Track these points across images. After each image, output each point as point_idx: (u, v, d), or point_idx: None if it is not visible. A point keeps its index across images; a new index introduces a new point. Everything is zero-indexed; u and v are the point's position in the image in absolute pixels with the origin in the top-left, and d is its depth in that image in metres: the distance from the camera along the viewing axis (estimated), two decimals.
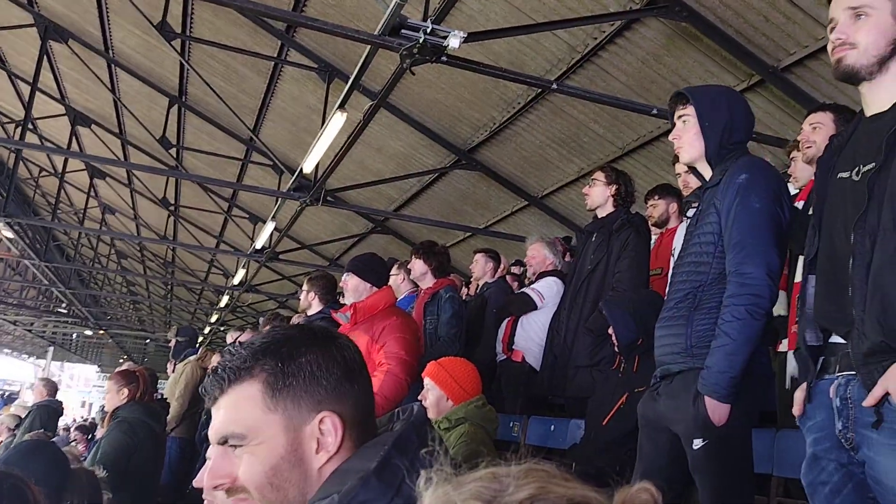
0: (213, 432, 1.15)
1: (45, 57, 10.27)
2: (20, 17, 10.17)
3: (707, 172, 2.33)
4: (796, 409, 1.84)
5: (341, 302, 4.08)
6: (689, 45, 5.57)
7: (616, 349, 3.05)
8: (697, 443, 2.14)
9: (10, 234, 13.36)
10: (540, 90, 6.67)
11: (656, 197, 4.12)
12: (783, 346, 2.97)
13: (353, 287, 3.63)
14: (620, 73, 6.18)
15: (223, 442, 1.14)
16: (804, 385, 1.82)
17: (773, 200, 2.14)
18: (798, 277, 2.68)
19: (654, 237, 4.15)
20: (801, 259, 2.72)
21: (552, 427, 4.11)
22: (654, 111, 5.42)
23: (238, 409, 1.14)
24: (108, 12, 9.34)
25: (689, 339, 2.18)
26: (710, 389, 2.09)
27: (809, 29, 4.91)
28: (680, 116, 2.34)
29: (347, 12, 7.14)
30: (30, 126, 11.29)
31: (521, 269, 6.43)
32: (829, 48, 1.79)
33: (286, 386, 1.12)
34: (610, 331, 2.92)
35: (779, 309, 2.88)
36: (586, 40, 5.97)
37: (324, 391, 1.13)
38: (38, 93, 10.45)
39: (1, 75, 12.59)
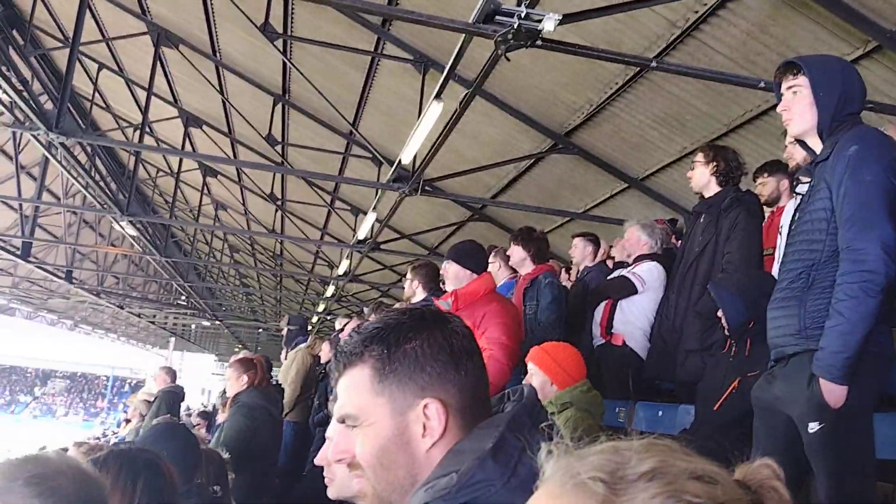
0: (335, 410, 1.23)
1: (158, 62, 10.89)
2: (135, 27, 10.82)
3: (817, 146, 2.22)
4: None
5: (443, 289, 4.15)
6: (797, 13, 5.28)
7: (726, 332, 2.96)
8: (813, 426, 2.07)
9: (132, 232, 14.29)
10: (638, 69, 6.50)
11: (766, 174, 3.95)
12: None
13: (453, 274, 3.68)
14: (724, 46, 5.94)
15: (342, 421, 1.21)
16: None
17: (887, 171, 2.02)
18: None
19: (765, 215, 3.99)
20: None
21: (660, 412, 4.04)
22: (762, 84, 5.18)
23: (351, 391, 1.20)
24: (214, 17, 9.79)
25: (803, 319, 2.10)
26: (825, 371, 2.01)
27: None
28: (790, 87, 2.23)
29: (442, 2, 7.18)
30: (147, 129, 12.02)
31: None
32: None
33: (392, 371, 1.17)
34: (719, 314, 2.84)
35: None
36: (686, 14, 5.77)
37: (427, 377, 1.17)
38: (153, 97, 11.12)
39: (119, 82, 13.44)
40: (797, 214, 2.54)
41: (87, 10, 8.90)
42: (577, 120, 7.97)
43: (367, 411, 1.18)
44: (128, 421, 11.03)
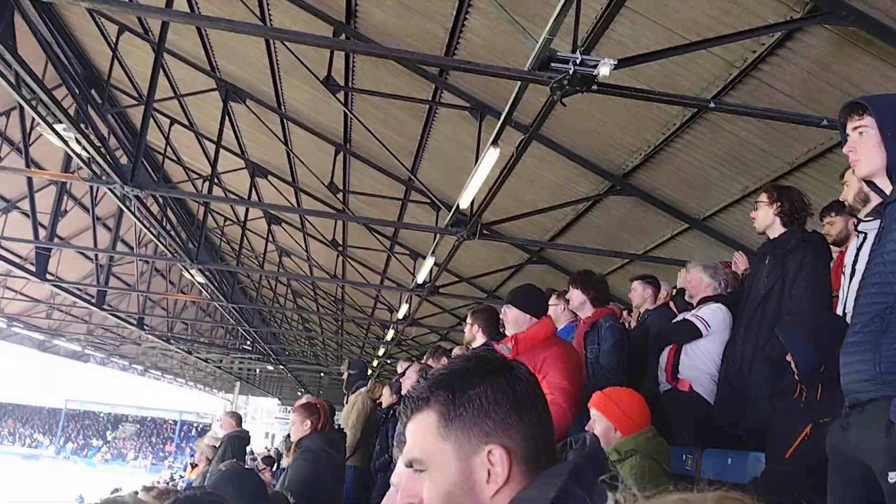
0: (403, 454, 1.26)
1: (226, 117, 11.37)
2: (204, 83, 11.35)
3: (887, 187, 2.18)
4: None
5: (503, 333, 4.15)
6: (859, 50, 5.19)
7: (796, 377, 2.88)
8: (893, 476, 1.98)
9: (201, 279, 14.76)
10: (696, 109, 6.47)
11: (833, 213, 3.85)
12: None
13: (512, 319, 3.68)
14: (784, 84, 5.87)
15: (409, 465, 1.24)
16: None
17: None
18: None
19: (833, 256, 3.88)
20: None
21: (729, 460, 3.91)
22: (825, 122, 5.10)
23: (417, 436, 1.23)
24: (279, 72, 10.20)
25: (878, 364, 2.03)
26: None
27: None
28: (856, 127, 2.20)
29: (498, 51, 7.33)
30: (215, 180, 12.50)
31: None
32: None
33: (457, 417, 1.19)
34: (788, 358, 2.77)
35: None
36: (744, 55, 5.74)
37: (492, 423, 1.18)
38: (221, 150, 11.59)
39: (190, 136, 14.06)
40: (861, 255, 2.48)
41: (161, 70, 9.39)
42: (635, 161, 7.94)
43: (433, 456, 1.20)
44: (194, 465, 11.24)
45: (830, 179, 6.66)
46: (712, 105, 5.13)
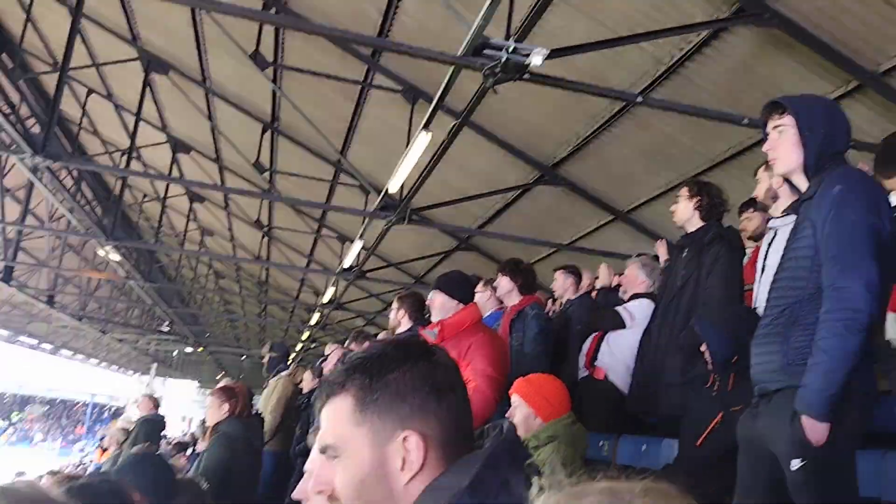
0: (317, 440, 1.22)
1: (147, 88, 10.91)
2: (125, 52, 10.85)
3: (803, 184, 2.26)
4: None
5: (429, 319, 4.13)
6: (781, 53, 5.39)
7: (710, 367, 2.97)
8: (795, 463, 2.06)
9: (116, 257, 14.19)
10: (624, 103, 6.59)
11: (750, 210, 3.99)
12: None
13: (439, 304, 3.67)
14: (709, 83, 6.05)
15: (323, 451, 1.20)
16: None
17: (870, 212, 2.05)
18: None
19: (749, 251, 4.01)
20: None
21: (644, 446, 4.02)
22: (746, 121, 5.28)
23: (332, 421, 1.19)
24: (205, 44, 9.84)
25: (786, 356, 2.11)
26: (808, 408, 2.02)
27: None
28: (776, 126, 2.27)
29: (431, 34, 7.26)
30: (134, 154, 12.00)
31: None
32: None
33: (372, 402, 1.16)
34: (703, 348, 2.85)
35: (893, 332, 2.74)
36: (672, 51, 5.88)
37: (408, 409, 1.15)
38: (141, 123, 11.12)
39: (108, 107, 13.44)
40: (772, 251, 2.56)
41: (78, 35, 8.92)
42: (564, 152, 8.05)
43: (347, 442, 1.17)
44: (104, 449, 10.84)
45: (749, 177, 6.82)
46: (640, 100, 5.23)
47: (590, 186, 8.62)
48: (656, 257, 4.87)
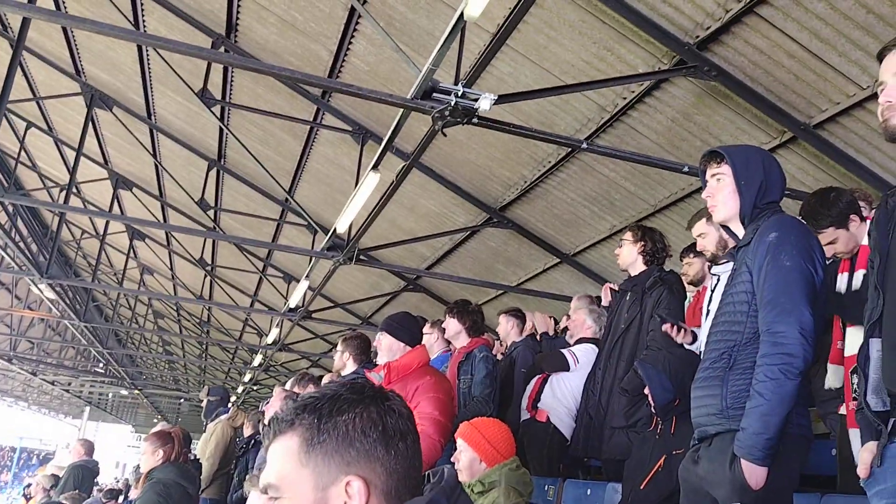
0: (260, 479, 1.18)
1: (90, 123, 10.68)
2: (68, 87, 10.64)
3: (740, 231, 2.33)
4: (863, 472, 1.77)
5: (375, 362, 4.08)
6: (718, 104, 5.60)
7: (653, 410, 2.99)
8: None
9: (51, 295, 13.69)
10: (570, 149, 6.73)
11: (692, 255, 4.09)
12: (843, 409, 2.87)
13: (386, 346, 3.63)
14: (650, 131, 6.23)
15: (264, 491, 1.16)
16: (871, 446, 1.75)
17: (805, 258, 2.12)
18: (849, 350, 2.63)
19: (690, 295, 4.10)
20: (850, 330, 2.67)
21: (588, 491, 4.01)
22: (686, 168, 5.44)
23: (277, 460, 1.17)
24: (151, 80, 9.73)
25: (725, 399, 2.14)
26: (746, 451, 2.04)
27: (841, 86, 4.91)
28: (714, 175, 2.35)
29: (381, 77, 7.34)
30: (74, 190, 11.68)
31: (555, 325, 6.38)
32: (879, 110, 1.81)
33: (319, 443, 1.13)
34: (646, 391, 2.88)
35: (833, 381, 2.82)
36: (615, 100, 6.05)
37: (355, 453, 1.13)
38: (82, 158, 10.85)
39: (48, 141, 13.11)
40: (715, 297, 2.63)
41: (19, 68, 8.71)
42: (512, 195, 8.15)
43: (289, 482, 1.13)
44: (28, 498, 10.29)
45: None
46: (584, 146, 5.35)
47: (537, 229, 8.73)
48: (599, 299, 4.93)
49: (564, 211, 8.06)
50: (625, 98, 5.96)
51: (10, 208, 14.34)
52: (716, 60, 5.19)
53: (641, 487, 3.11)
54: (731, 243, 3.25)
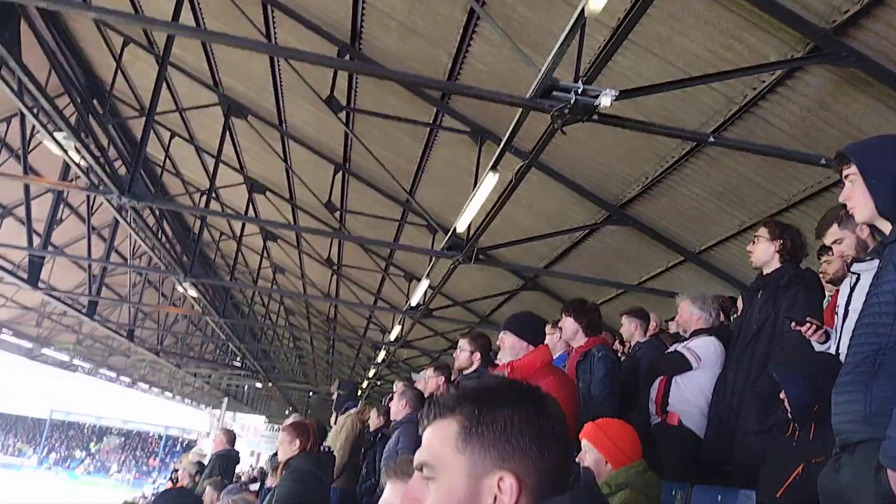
0: (415, 457, 1.24)
1: (227, 132, 11.40)
2: (207, 98, 11.40)
3: (886, 228, 2.20)
4: None
5: (495, 362, 4.13)
6: (858, 91, 5.25)
7: (789, 415, 2.86)
8: None
9: (194, 293, 14.69)
10: (695, 143, 6.51)
11: (831, 252, 3.86)
12: None
13: (509, 345, 3.66)
14: (783, 122, 5.92)
15: (419, 468, 1.22)
16: None
17: None
18: None
19: (828, 294, 3.88)
20: None
21: (719, 497, 3.87)
22: (823, 161, 5.13)
23: (434, 441, 1.21)
24: (282, 90, 10.25)
25: (869, 406, 2.02)
26: (893, 461, 1.93)
27: None
28: (846, 176, 2.24)
29: (500, 77, 7.38)
30: (213, 195, 12.50)
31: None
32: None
33: (477, 434, 1.17)
34: (781, 395, 2.76)
35: None
36: (744, 91, 5.79)
37: (510, 449, 1.16)
38: (220, 164, 11.60)
39: (189, 149, 14.08)
40: (854, 296, 2.48)
41: (164, 83, 9.42)
42: (633, 192, 7.98)
43: (444, 465, 1.18)
44: (174, 482, 11.10)
45: None
46: (712, 139, 5.16)
47: (659, 226, 8.50)
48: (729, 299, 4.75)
49: (689, 207, 7.80)
50: (754, 88, 5.70)
51: (157, 212, 15.52)
52: (855, 45, 4.86)
53: (778, 496, 2.97)
54: (871, 244, 3.07)
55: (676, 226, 8.33)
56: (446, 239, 8.96)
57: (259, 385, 34.10)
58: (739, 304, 5.46)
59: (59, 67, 10.42)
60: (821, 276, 3.84)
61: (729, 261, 8.31)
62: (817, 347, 3.04)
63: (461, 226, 7.98)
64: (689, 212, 7.88)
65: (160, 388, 44.15)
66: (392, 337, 16.16)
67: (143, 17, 8.30)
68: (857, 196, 2.21)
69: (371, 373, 22.42)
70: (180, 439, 59.14)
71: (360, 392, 19.12)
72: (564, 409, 3.44)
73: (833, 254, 3.71)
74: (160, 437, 60.99)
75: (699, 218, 7.88)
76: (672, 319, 6.22)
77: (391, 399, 6.91)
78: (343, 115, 9.33)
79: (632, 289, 9.80)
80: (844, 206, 2.90)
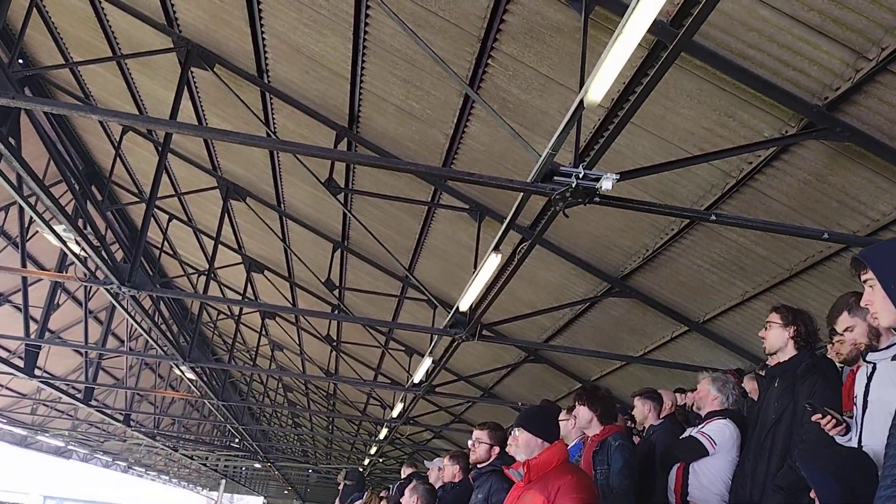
0: None
1: (226, 214, 11.45)
2: (205, 181, 11.50)
3: None
4: None
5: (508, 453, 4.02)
6: (854, 164, 5.31)
7: None
8: None
9: (192, 376, 14.49)
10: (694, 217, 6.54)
11: (842, 332, 3.81)
12: None
13: (524, 443, 3.55)
14: (781, 194, 5.97)
15: None
16: None
17: None
18: None
19: (845, 374, 3.82)
20: None
21: None
22: (826, 235, 5.14)
23: None
24: (280, 172, 10.35)
25: None
26: None
27: None
28: (865, 281, 2.22)
29: (497, 156, 7.48)
30: (212, 275, 12.47)
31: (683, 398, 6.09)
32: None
33: None
34: (812, 494, 2.67)
35: None
36: (740, 165, 5.86)
37: None
38: (219, 245, 11.62)
39: (187, 231, 14.13)
40: (872, 387, 2.42)
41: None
42: (634, 264, 7.98)
43: None
44: None
45: (830, 286, 6.69)
46: (713, 217, 5.17)
47: (662, 297, 8.47)
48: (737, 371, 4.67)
49: (691, 278, 7.79)
50: (750, 163, 5.76)
51: (155, 295, 15.45)
52: (848, 121, 4.94)
53: None
54: (884, 332, 3.04)
55: (679, 296, 8.30)
56: (449, 316, 8.89)
57: (258, 465, 33.32)
58: (746, 383, 5.41)
59: (58, 155, 10.53)
60: (836, 356, 3.78)
61: (734, 329, 8.26)
62: (838, 440, 2.97)
63: (464, 305, 7.93)
64: (690, 282, 7.87)
65: (156, 471, 43.10)
66: (395, 413, 15.89)
67: (146, 118, 8.43)
68: (878, 302, 2.18)
69: (373, 450, 21.95)
70: None
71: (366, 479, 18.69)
72: None
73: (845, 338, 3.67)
74: None
75: (701, 288, 7.87)
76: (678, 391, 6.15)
77: (399, 487, 6.73)
78: (342, 196, 9.40)
79: (636, 360, 9.71)
80: (855, 292, 2.89)
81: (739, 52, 4.90)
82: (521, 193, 5.40)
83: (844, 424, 2.97)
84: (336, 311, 13.21)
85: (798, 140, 5.22)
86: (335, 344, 15.80)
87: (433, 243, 10.29)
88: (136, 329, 15.68)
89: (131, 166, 12.41)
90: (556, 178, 4.75)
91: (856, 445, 2.89)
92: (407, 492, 4.54)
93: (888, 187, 5.33)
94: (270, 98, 8.66)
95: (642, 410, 4.99)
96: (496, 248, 6.36)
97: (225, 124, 9.59)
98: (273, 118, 9.04)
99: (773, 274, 6.98)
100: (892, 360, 2.86)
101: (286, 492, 42.69)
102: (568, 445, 4.35)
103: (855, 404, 3.01)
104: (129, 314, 11.40)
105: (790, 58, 4.75)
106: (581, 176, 4.67)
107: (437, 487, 5.37)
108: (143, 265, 14.41)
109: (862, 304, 2.24)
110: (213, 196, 11.58)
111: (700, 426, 4.38)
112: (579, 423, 4.49)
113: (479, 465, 4.31)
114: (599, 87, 4.05)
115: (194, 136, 9.67)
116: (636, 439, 5.24)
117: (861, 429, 2.90)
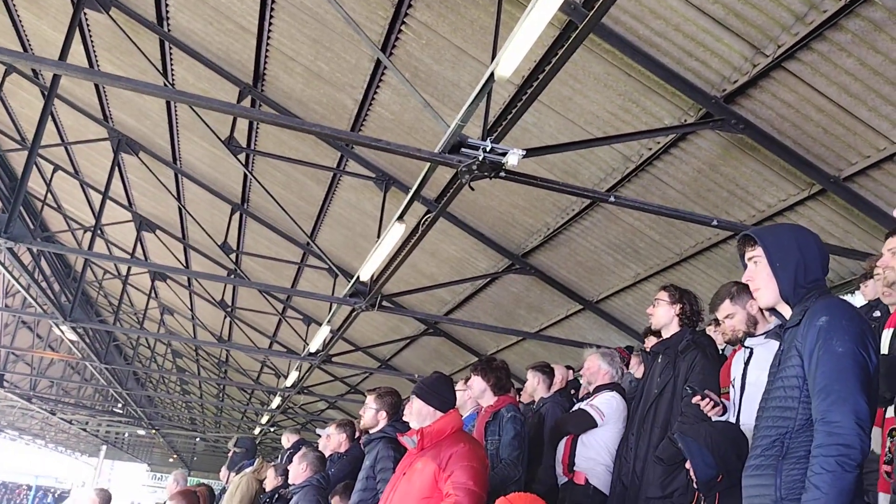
0: None
1: (116, 168, 10.83)
2: (96, 132, 10.83)
3: (787, 312, 2.28)
4: None
5: (404, 420, 4.01)
6: (746, 156, 5.58)
7: (695, 485, 2.91)
8: None
9: (73, 337, 13.73)
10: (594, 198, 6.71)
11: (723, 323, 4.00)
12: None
13: (416, 411, 3.56)
14: (676, 181, 6.20)
15: None
16: None
17: (857, 343, 2.06)
18: (889, 413, 2.55)
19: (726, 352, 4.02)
20: None
21: None
22: (715, 222, 5.38)
23: None
24: (178, 127, 9.87)
25: (779, 489, 2.06)
26: None
27: (871, 140, 4.88)
28: (750, 258, 2.32)
29: (406, 125, 7.40)
30: (98, 231, 11.80)
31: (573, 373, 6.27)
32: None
33: None
34: (687, 465, 2.80)
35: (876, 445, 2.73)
36: (640, 151, 6.05)
37: None
38: (107, 200, 10.99)
39: (74, 184, 13.30)
40: (749, 370, 2.55)
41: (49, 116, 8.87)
42: (535, 242, 8.12)
43: None
44: None
45: (716, 272, 7.05)
46: (612, 199, 5.31)
47: (559, 275, 8.68)
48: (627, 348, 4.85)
49: (588, 258, 8.02)
50: (650, 149, 5.96)
51: (35, 249, 14.52)
52: (743, 113, 5.17)
53: None
54: (760, 319, 3.21)
55: (576, 275, 8.53)
56: (349, 286, 8.79)
57: (142, 432, 32.19)
58: (632, 360, 5.62)
59: None
60: (722, 335, 3.96)
61: (625, 310, 8.58)
62: (715, 420, 3.13)
63: (365, 274, 7.85)
64: (587, 262, 8.09)
65: (31, 435, 40.92)
66: (289, 382, 15.66)
67: (31, 56, 7.83)
68: (761, 278, 2.28)
69: (265, 419, 21.60)
70: (52, 490, 54.83)
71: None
72: (475, 479, 3.38)
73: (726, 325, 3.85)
74: (29, 488, 56.32)
75: (597, 269, 8.11)
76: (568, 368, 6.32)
77: (288, 456, 6.62)
78: (242, 156, 9.07)
79: (531, 336, 9.93)
80: (737, 282, 3.03)
81: (646, 40, 5.02)
82: (429, 164, 5.36)
83: (722, 406, 3.12)
84: (232, 276, 12.82)
85: (696, 129, 5.42)
86: (230, 310, 15.37)
87: (336, 211, 10.12)
88: (13, 285, 14.69)
89: (13, 110, 11.51)
90: (463, 149, 4.74)
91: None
92: (296, 459, 4.47)
93: (775, 180, 5.64)
94: (170, 47, 8.22)
95: (533, 382, 5.10)
96: (400, 218, 6.31)
97: (119, 72, 9.04)
98: (172, 69, 8.59)
99: (665, 258, 7.27)
100: (764, 338, 3.02)
101: (171, 460, 41.47)
102: (463, 416, 4.39)
103: (733, 386, 3.17)
104: (4, 268, 10.62)
105: (693, 48, 4.91)
106: (488, 149, 4.68)
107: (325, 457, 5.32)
108: (23, 216, 13.47)
109: (744, 279, 2.34)
110: (103, 148, 10.92)
111: (589, 399, 4.51)
112: (473, 393, 4.54)
113: (370, 431, 4.29)
114: (510, 60, 4.04)
115: (84, 80, 9.05)
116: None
117: (739, 410, 3.06)
